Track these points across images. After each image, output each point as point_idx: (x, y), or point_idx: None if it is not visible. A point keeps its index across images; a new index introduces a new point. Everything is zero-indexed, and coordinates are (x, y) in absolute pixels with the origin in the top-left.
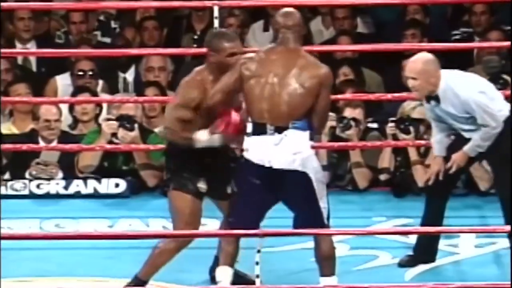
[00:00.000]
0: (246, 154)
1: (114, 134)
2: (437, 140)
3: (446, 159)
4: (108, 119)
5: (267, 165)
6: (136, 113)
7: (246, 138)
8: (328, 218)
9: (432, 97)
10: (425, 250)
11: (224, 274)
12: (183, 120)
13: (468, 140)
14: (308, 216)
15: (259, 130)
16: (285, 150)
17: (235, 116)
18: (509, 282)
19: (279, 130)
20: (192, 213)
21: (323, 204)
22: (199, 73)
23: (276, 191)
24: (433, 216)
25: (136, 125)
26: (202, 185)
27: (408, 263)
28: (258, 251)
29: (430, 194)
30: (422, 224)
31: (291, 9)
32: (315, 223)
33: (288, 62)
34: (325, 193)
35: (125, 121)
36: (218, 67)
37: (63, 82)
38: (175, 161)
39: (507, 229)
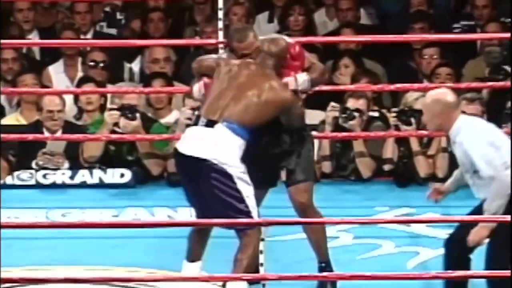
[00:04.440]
0: (176, 145)
1: (116, 124)
2: (454, 174)
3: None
4: (110, 109)
5: (188, 154)
6: (139, 102)
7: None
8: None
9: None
10: None
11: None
12: None
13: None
14: (232, 212)
15: (196, 121)
16: (208, 140)
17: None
18: (509, 271)
19: (210, 123)
20: None
21: (250, 202)
22: None
23: (196, 181)
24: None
25: (138, 115)
26: None
27: None
28: (262, 240)
29: None
30: None
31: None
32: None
33: (256, 79)
34: (251, 192)
35: (127, 110)
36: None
37: (56, 71)
38: None
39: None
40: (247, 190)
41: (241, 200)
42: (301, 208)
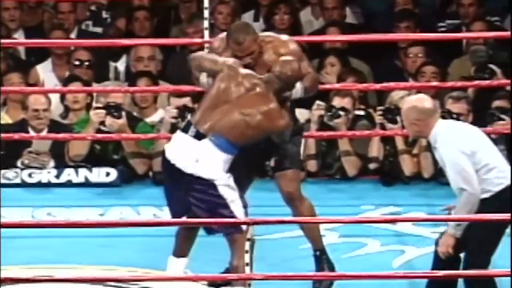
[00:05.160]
0: (165, 146)
1: (102, 122)
2: None
3: None
4: (96, 108)
5: (172, 161)
6: (124, 101)
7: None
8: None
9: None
10: None
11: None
12: None
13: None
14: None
15: (186, 127)
16: (193, 154)
17: None
18: (509, 270)
19: (198, 136)
20: None
21: (236, 208)
22: None
23: (180, 190)
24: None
25: (123, 113)
26: None
27: None
28: (248, 240)
29: None
30: None
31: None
32: (230, 226)
33: (255, 98)
34: (236, 197)
35: (113, 109)
36: None
37: (44, 70)
38: None
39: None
40: (231, 196)
41: (226, 206)
42: (289, 197)
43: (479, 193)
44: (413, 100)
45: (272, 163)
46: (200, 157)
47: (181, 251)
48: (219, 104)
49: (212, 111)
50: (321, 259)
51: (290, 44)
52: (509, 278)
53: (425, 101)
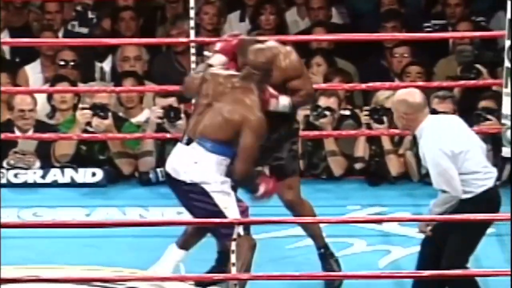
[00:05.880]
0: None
1: (88, 123)
2: None
3: None
4: (82, 108)
5: (168, 171)
6: (110, 101)
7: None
8: (247, 228)
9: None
10: None
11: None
12: None
13: None
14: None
15: (182, 136)
16: (185, 160)
17: None
18: (509, 269)
19: (188, 141)
20: None
21: (231, 214)
22: None
23: (179, 196)
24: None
25: (109, 113)
26: None
27: None
28: (234, 240)
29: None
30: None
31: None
32: (224, 231)
33: (235, 94)
34: (231, 202)
35: (99, 109)
36: None
37: (33, 71)
38: None
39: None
40: (225, 202)
41: (219, 213)
42: (289, 204)
43: (460, 195)
44: (404, 94)
45: (267, 172)
46: (193, 161)
47: (183, 243)
48: (205, 108)
49: (201, 117)
50: (326, 255)
51: (291, 56)
52: (509, 278)
53: (415, 95)
